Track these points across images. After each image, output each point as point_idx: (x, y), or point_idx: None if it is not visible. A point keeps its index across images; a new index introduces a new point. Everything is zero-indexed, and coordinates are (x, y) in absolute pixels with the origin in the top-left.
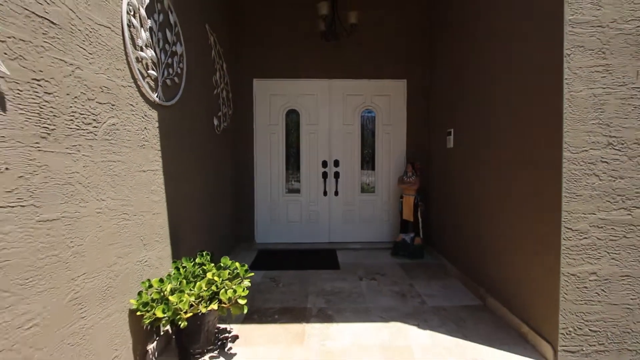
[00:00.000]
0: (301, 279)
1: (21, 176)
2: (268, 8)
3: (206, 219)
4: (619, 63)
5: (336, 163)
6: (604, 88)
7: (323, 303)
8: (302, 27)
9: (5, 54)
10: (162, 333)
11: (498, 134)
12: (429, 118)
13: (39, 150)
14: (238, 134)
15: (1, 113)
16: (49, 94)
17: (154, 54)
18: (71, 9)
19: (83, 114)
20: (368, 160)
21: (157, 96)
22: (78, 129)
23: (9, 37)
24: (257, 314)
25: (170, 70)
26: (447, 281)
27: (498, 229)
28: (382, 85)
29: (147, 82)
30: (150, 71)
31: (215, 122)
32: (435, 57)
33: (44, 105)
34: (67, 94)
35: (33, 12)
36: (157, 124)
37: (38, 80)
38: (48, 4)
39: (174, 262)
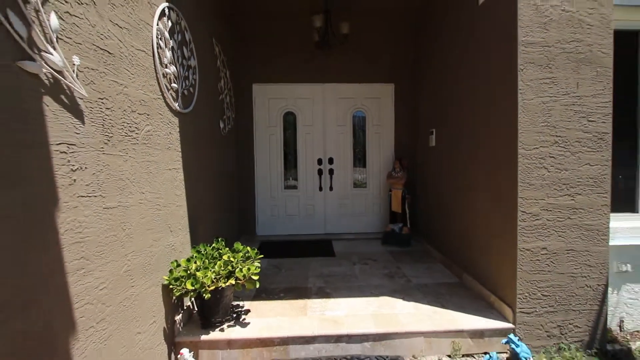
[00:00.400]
0: (301, 265)
1: (94, 173)
2: (266, 20)
3: (214, 213)
4: (562, 76)
5: (330, 160)
6: (551, 97)
7: (322, 283)
8: (298, 36)
9: (83, 80)
10: (185, 307)
11: (470, 133)
12: (414, 119)
13: (104, 153)
14: (240, 134)
15: (81, 125)
16: (108, 109)
17: (175, 69)
18: (120, 40)
19: (129, 124)
20: (360, 158)
21: (177, 105)
22: (126, 136)
23: (85, 68)
24: (265, 293)
25: (187, 82)
26: (431, 264)
27: (470, 215)
28: (371, 89)
29: (171, 94)
30: (173, 84)
31: (221, 125)
32: (420, 64)
33: (105, 118)
34: (119, 108)
35: (98, 47)
36: (178, 129)
37: (102, 99)
38: (107, 38)
39: (193, 247)
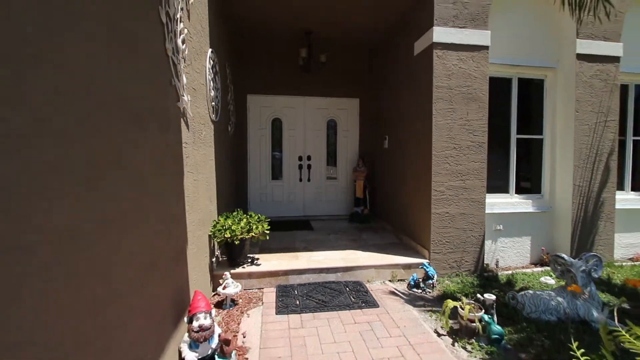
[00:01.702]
0: (288, 235)
1: (189, 159)
2: (260, 43)
3: (226, 193)
4: (459, 107)
5: (309, 158)
6: (452, 120)
7: (306, 244)
8: (285, 58)
9: (196, 105)
10: (215, 255)
11: (407, 140)
12: (374, 126)
13: (192, 148)
14: (237, 135)
15: (187, 132)
16: (193, 122)
17: (213, 92)
18: (196, 79)
19: (198, 130)
20: (332, 156)
21: (214, 116)
22: (197, 138)
23: (190, 101)
24: (267, 250)
25: (217, 99)
26: (383, 233)
27: (406, 196)
28: (342, 102)
29: (211, 109)
30: (212, 102)
31: (229, 128)
32: (377, 84)
33: (192, 128)
34: (196, 122)
35: (192, 87)
36: (213, 133)
37: (192, 117)
38: (193, 81)
39: (220, 215)
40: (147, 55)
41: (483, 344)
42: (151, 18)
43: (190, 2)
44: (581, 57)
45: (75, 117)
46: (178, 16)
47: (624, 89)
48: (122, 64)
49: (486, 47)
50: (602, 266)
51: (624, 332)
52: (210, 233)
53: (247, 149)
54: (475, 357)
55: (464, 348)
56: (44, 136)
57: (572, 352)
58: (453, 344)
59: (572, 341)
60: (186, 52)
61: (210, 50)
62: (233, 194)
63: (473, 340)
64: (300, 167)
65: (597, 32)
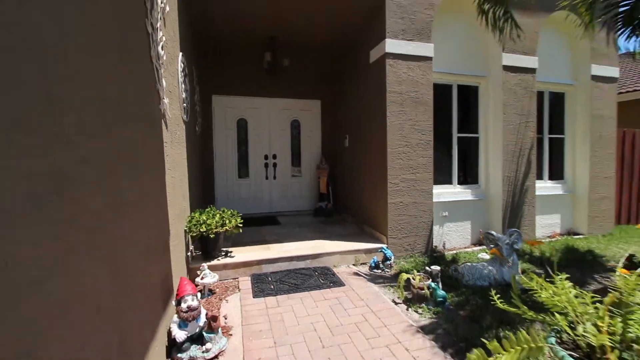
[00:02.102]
0: (257, 230)
1: (169, 157)
2: (226, 44)
3: (196, 191)
4: (409, 110)
5: (274, 156)
6: (403, 121)
7: (275, 237)
8: (250, 60)
9: (172, 107)
10: (190, 248)
11: (366, 139)
12: (335, 126)
13: (170, 147)
14: (204, 135)
15: (167, 132)
16: (171, 125)
17: (185, 95)
18: (171, 82)
19: (175, 131)
20: (296, 154)
21: (185, 117)
22: (174, 138)
23: (169, 103)
24: (239, 244)
25: (187, 101)
26: (346, 225)
27: (367, 189)
28: (305, 103)
29: (183, 110)
30: (184, 104)
31: (197, 128)
32: (339, 86)
33: (169, 129)
34: (173, 123)
35: (169, 90)
36: (184, 133)
37: (170, 118)
38: (170, 84)
39: (193, 211)
40: (140, 64)
41: (431, 307)
42: (141, 29)
43: (166, 11)
44: (506, 68)
45: (99, 121)
46: (158, 25)
47: (540, 95)
48: (125, 74)
49: (430, 58)
50: (521, 240)
51: (531, 284)
52: (185, 228)
53: (214, 148)
54: (425, 317)
55: (416, 311)
56: (80, 135)
57: (493, 302)
58: (407, 309)
59: (494, 294)
60: (165, 58)
61: (180, 54)
62: (201, 192)
63: (423, 305)
64: (266, 165)
65: (518, 47)
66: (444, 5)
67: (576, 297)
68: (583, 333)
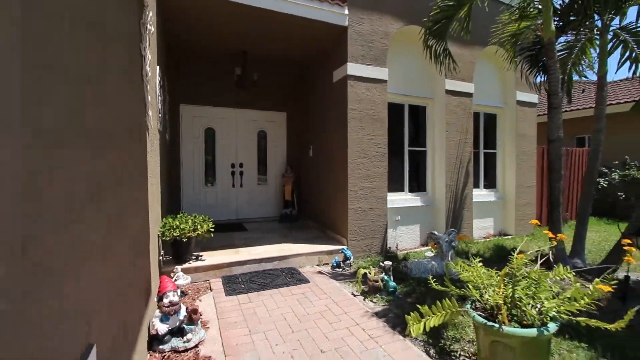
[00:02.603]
0: (226, 235)
1: (151, 165)
2: (195, 55)
3: (165, 199)
4: (367, 125)
5: (241, 165)
6: (362, 135)
7: (244, 241)
8: (219, 71)
9: (152, 118)
10: (161, 252)
11: (328, 150)
12: (300, 137)
13: (150, 156)
14: (171, 143)
15: (148, 141)
16: (151, 135)
17: (160, 106)
18: (151, 95)
19: (153, 140)
20: (263, 163)
21: (160, 127)
22: (153, 147)
23: (150, 115)
24: (209, 249)
25: (161, 111)
26: (310, 230)
27: (329, 197)
28: (271, 115)
29: (158, 120)
30: (159, 114)
31: (167, 136)
32: (303, 100)
33: (151, 137)
34: (152, 133)
35: (151, 103)
36: (159, 142)
37: (151, 129)
38: (152, 96)
39: (165, 217)
40: (136, 83)
41: (384, 296)
42: (137, 53)
43: (151, 32)
44: (449, 92)
45: (115, 134)
46: (147, 45)
47: (476, 115)
48: (129, 94)
49: (385, 81)
50: (451, 238)
51: (457, 267)
52: (159, 232)
53: (181, 156)
54: (379, 305)
55: (372, 301)
56: (106, 148)
57: (432, 287)
58: (364, 299)
59: (432, 279)
60: (149, 74)
61: (157, 67)
62: (168, 199)
63: (377, 295)
64: (233, 173)
65: (458, 75)
66: (398, 36)
67: (485, 274)
68: (487, 298)
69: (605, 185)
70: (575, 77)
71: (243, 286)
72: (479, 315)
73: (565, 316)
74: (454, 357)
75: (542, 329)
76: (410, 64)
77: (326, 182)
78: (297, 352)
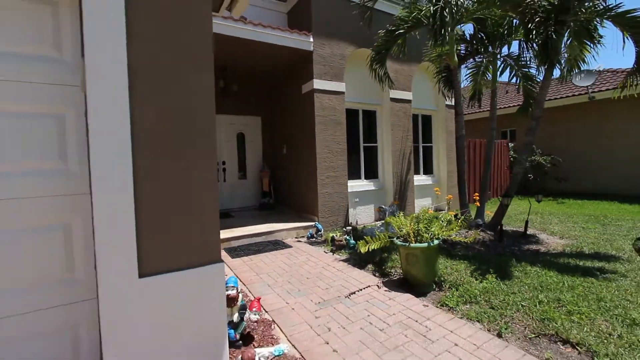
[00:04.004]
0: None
1: None
2: None
3: None
4: (330, 127)
5: (224, 163)
6: (326, 135)
7: (235, 224)
8: None
9: None
10: None
11: (300, 147)
12: (274, 137)
13: None
14: None
15: None
16: None
17: None
18: None
19: None
20: (242, 161)
21: None
22: None
23: None
24: None
25: None
26: (286, 214)
27: (301, 185)
28: (248, 119)
29: None
30: None
31: None
32: (276, 105)
33: None
34: None
35: None
36: None
37: None
38: None
39: None
40: None
41: (346, 250)
42: None
43: None
44: (393, 99)
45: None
46: None
47: (415, 117)
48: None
49: (343, 92)
50: (398, 210)
51: (389, 219)
52: None
53: None
54: (343, 256)
55: (338, 254)
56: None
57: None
58: (333, 254)
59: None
60: None
61: None
62: None
63: (342, 250)
64: (217, 170)
65: (399, 86)
66: (352, 57)
67: (403, 219)
68: (403, 231)
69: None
70: (503, 80)
71: (242, 252)
72: (398, 240)
73: (445, 236)
74: (390, 274)
75: (430, 242)
76: (363, 79)
77: (298, 173)
78: (292, 279)
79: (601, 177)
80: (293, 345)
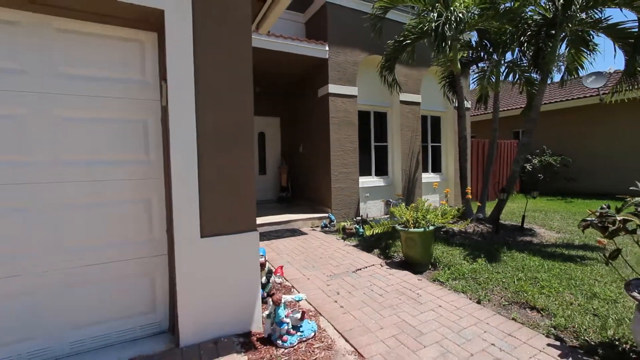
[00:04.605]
0: None
1: None
2: None
3: None
4: (343, 128)
5: None
6: (339, 135)
7: (258, 214)
8: None
9: None
10: None
11: (315, 145)
12: (292, 137)
13: None
14: None
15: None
16: None
17: None
18: None
19: None
20: (263, 157)
21: None
22: None
23: None
24: None
25: None
26: (302, 207)
27: (317, 180)
28: (268, 120)
29: None
30: None
31: None
32: (294, 107)
33: None
34: None
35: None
36: None
37: None
38: None
39: None
40: None
41: (356, 238)
42: None
43: None
44: (402, 102)
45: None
46: None
47: (424, 118)
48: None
49: (355, 96)
50: (403, 202)
51: (392, 209)
52: None
53: None
54: (353, 242)
55: (348, 241)
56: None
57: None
58: (344, 240)
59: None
60: None
61: None
62: None
63: (352, 237)
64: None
65: (409, 89)
66: (364, 63)
67: (404, 209)
68: (405, 218)
69: (530, 169)
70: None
71: (264, 237)
72: (400, 226)
73: (440, 224)
74: (393, 257)
75: (426, 228)
76: (374, 83)
77: (314, 170)
78: (307, 259)
79: (610, 177)
80: (309, 303)
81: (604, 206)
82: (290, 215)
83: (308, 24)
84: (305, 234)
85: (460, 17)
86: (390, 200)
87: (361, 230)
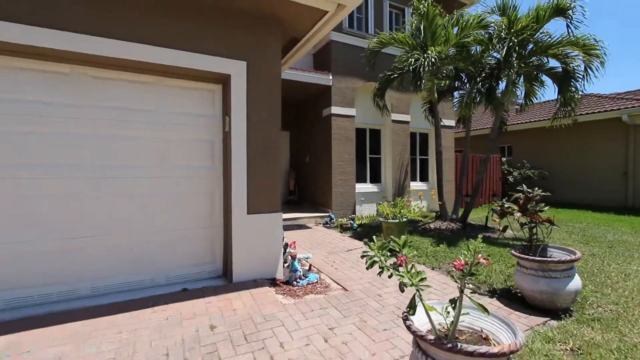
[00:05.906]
0: None
1: None
2: None
3: None
4: (343, 143)
5: None
6: (340, 148)
7: None
8: None
9: None
10: None
11: (319, 156)
12: (299, 148)
13: None
14: None
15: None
16: None
17: None
18: None
19: None
20: None
21: None
22: None
23: None
24: None
25: None
26: (307, 208)
27: (320, 186)
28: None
29: None
30: None
31: None
32: (301, 123)
33: None
34: None
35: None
36: None
37: None
38: None
39: None
40: None
41: (350, 231)
42: None
43: None
44: (394, 121)
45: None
46: None
47: (413, 134)
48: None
49: (354, 116)
50: (384, 202)
51: (379, 208)
52: None
53: None
54: (348, 234)
55: (345, 233)
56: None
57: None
58: (341, 233)
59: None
60: None
61: None
62: None
63: (347, 231)
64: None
65: (399, 110)
66: (361, 89)
67: (387, 206)
68: (386, 212)
69: (512, 181)
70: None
71: None
72: (381, 218)
73: (412, 217)
74: None
75: (400, 220)
76: (369, 105)
77: (317, 177)
78: (312, 243)
79: (578, 189)
80: (313, 266)
81: (504, 201)
82: (297, 213)
83: (316, 56)
84: (310, 228)
85: (433, 61)
86: (379, 202)
87: (355, 224)
